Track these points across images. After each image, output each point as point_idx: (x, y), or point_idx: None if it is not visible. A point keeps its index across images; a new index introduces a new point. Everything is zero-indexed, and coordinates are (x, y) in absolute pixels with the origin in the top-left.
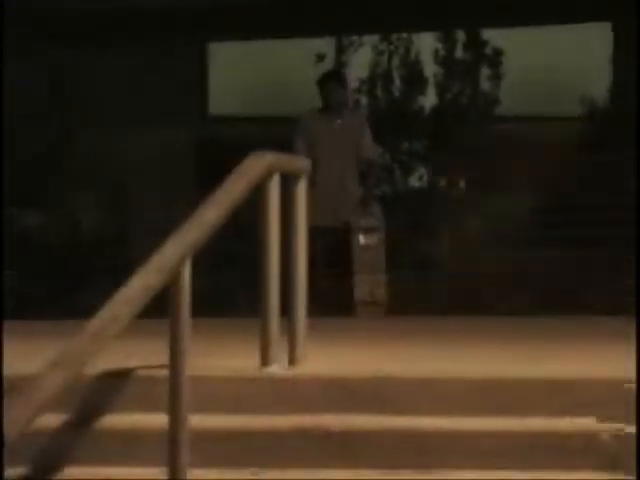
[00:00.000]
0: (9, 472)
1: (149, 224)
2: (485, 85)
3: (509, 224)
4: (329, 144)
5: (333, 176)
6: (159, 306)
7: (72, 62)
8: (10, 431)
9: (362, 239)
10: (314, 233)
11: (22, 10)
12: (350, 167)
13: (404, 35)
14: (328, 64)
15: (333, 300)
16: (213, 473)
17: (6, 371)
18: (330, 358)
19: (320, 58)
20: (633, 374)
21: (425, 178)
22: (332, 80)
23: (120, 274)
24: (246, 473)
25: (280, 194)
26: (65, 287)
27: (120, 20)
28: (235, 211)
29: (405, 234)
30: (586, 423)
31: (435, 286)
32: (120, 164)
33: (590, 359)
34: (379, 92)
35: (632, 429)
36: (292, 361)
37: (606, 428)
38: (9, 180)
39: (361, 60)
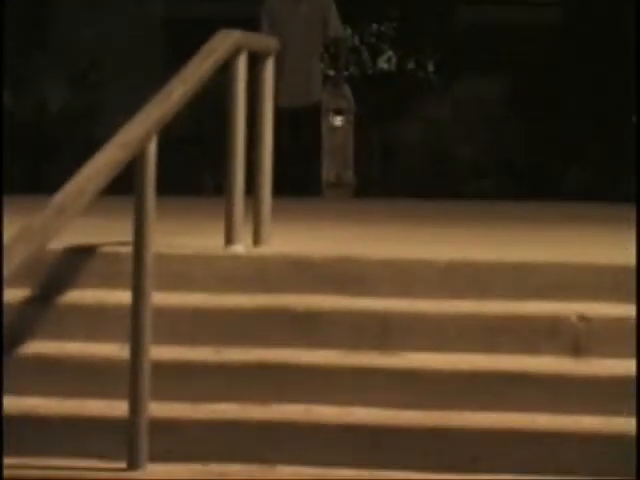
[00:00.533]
0: None
1: (118, 102)
2: None
3: (477, 108)
4: (295, 26)
5: (300, 58)
6: (128, 184)
7: None
8: None
9: (333, 120)
10: (282, 114)
11: None
12: (316, 48)
13: None
14: None
15: (300, 181)
16: (176, 350)
17: None
18: (295, 239)
19: None
20: (601, 258)
21: (393, 61)
22: None
23: (88, 151)
24: (209, 350)
25: (248, 73)
26: (33, 164)
27: None
28: (205, 89)
29: (373, 117)
30: (552, 306)
31: (403, 169)
32: (89, 42)
33: (559, 244)
34: None
35: (599, 310)
36: (257, 241)
37: (572, 311)
38: None
39: None
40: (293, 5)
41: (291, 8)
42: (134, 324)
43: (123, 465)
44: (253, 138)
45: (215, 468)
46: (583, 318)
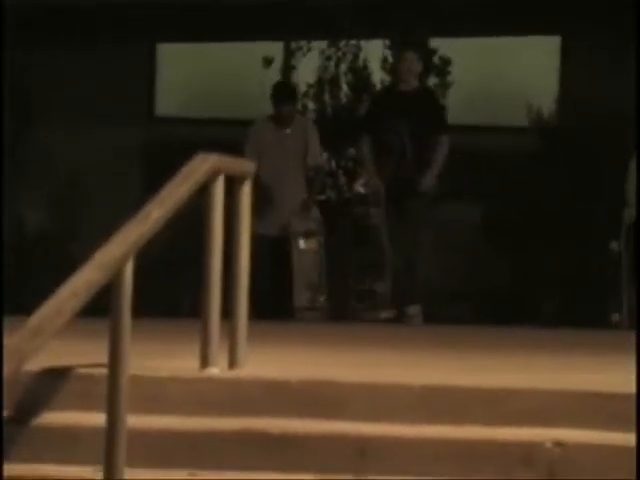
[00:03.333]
0: None
1: (96, 223)
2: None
3: (457, 231)
4: (277, 152)
5: (277, 183)
6: (104, 305)
7: (22, 61)
8: None
9: (301, 243)
10: (258, 241)
11: None
12: (296, 175)
13: (352, 42)
14: (276, 68)
15: (274, 305)
16: (150, 473)
17: None
18: (270, 361)
19: (268, 62)
20: (575, 384)
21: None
22: (284, 93)
23: (65, 272)
24: (183, 474)
25: (225, 197)
26: (9, 284)
27: (71, 19)
28: (182, 211)
29: (349, 240)
30: (527, 432)
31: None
32: (69, 162)
33: (532, 370)
34: (326, 98)
35: (575, 437)
36: (232, 364)
37: (548, 437)
38: None
39: (309, 65)
40: (277, 132)
41: (277, 134)
42: (108, 446)
43: None
44: (229, 262)
45: None
46: (558, 444)
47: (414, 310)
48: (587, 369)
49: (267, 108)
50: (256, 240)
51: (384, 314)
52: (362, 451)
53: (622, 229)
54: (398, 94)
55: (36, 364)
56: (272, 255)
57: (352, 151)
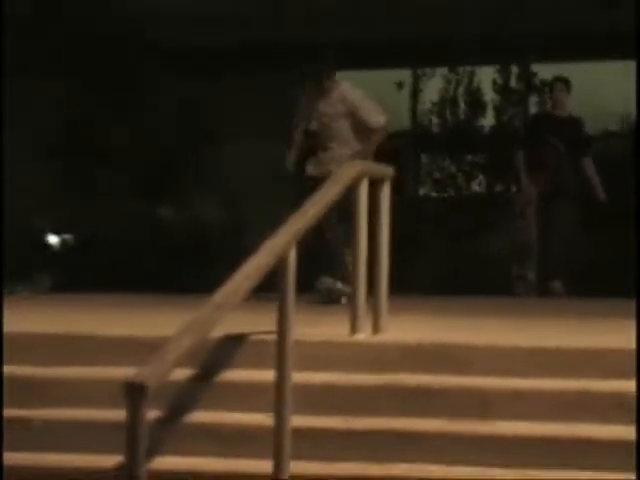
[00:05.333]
0: (150, 414)
1: (261, 220)
2: (533, 110)
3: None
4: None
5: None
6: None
7: (199, 94)
8: (150, 382)
9: None
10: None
11: (151, 46)
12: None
13: (468, 68)
14: (406, 90)
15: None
16: (311, 419)
17: (150, 333)
18: (406, 328)
19: (400, 86)
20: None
21: (483, 184)
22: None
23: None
24: (339, 420)
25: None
26: (193, 268)
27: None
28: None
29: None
30: (618, 384)
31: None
32: (243, 172)
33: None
34: (447, 114)
35: None
36: (376, 330)
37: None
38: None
39: (433, 88)
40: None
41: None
42: (277, 397)
43: None
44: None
45: None
46: None
47: (557, 284)
48: None
49: (402, 122)
50: None
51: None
52: (483, 402)
53: None
54: (554, 118)
55: (219, 332)
56: None
57: (469, 157)
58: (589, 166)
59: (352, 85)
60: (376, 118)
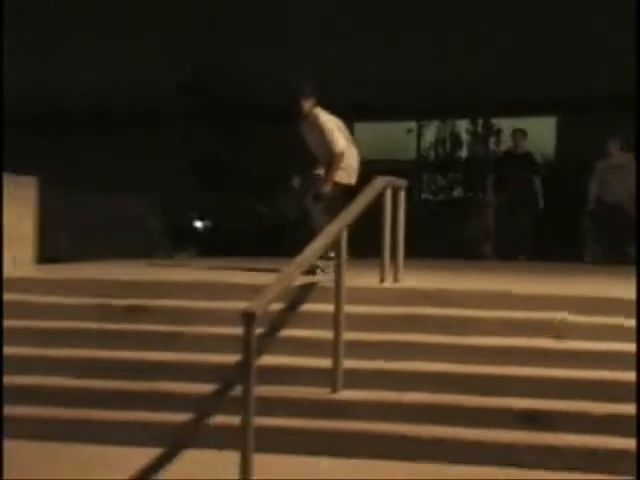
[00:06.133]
0: (256, 330)
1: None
2: (492, 147)
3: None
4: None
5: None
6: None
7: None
8: (257, 311)
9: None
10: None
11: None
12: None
13: (451, 120)
14: (414, 135)
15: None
16: (354, 334)
17: (256, 281)
18: (417, 279)
19: (409, 131)
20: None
21: (460, 192)
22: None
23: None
24: (370, 335)
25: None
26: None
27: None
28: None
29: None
30: (547, 315)
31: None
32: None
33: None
34: (440, 151)
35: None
36: (395, 280)
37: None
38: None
39: (430, 133)
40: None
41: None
42: (335, 321)
43: None
44: (392, 229)
45: None
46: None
47: (521, 257)
48: None
49: (410, 154)
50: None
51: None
52: (462, 322)
53: None
54: (516, 154)
55: (298, 282)
56: None
57: (452, 175)
58: (538, 183)
59: (324, 113)
60: (332, 145)
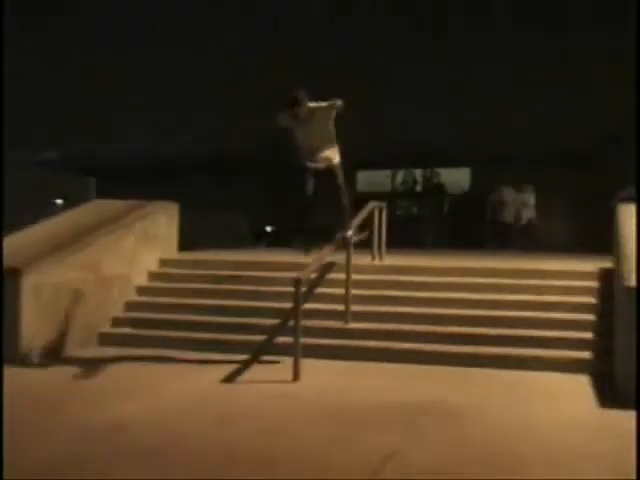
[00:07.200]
0: (302, 289)
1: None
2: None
3: None
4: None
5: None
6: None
7: None
8: (302, 277)
9: None
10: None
11: None
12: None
13: (412, 169)
14: (390, 178)
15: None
16: (357, 291)
17: (298, 261)
18: (393, 260)
19: (388, 176)
20: None
21: (416, 210)
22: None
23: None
24: (366, 291)
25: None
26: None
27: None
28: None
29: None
30: (496, 280)
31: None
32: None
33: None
34: (406, 186)
35: None
36: (380, 260)
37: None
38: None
39: (400, 176)
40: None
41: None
42: (346, 284)
43: None
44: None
45: None
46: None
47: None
48: None
49: (387, 189)
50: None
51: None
52: (420, 285)
53: None
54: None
55: (330, 259)
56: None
57: (413, 200)
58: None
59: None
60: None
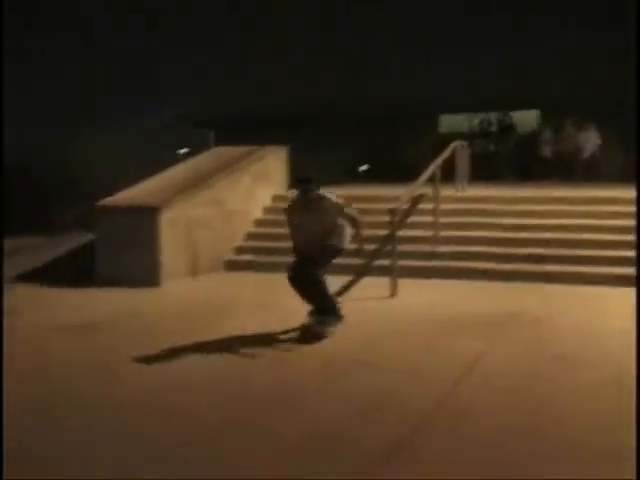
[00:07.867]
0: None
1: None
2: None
3: None
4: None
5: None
6: None
7: None
8: (397, 208)
9: None
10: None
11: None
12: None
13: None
14: (467, 120)
15: None
16: (445, 219)
17: (392, 193)
18: (476, 190)
19: (468, 120)
20: None
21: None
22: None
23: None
24: (452, 219)
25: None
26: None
27: None
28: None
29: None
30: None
31: None
32: None
33: None
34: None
35: None
36: (463, 191)
37: None
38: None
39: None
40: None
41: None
42: (435, 215)
43: None
44: None
45: None
46: None
47: None
48: None
49: (466, 130)
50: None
51: None
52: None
53: None
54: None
55: (417, 192)
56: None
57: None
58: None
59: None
60: (354, 215)
